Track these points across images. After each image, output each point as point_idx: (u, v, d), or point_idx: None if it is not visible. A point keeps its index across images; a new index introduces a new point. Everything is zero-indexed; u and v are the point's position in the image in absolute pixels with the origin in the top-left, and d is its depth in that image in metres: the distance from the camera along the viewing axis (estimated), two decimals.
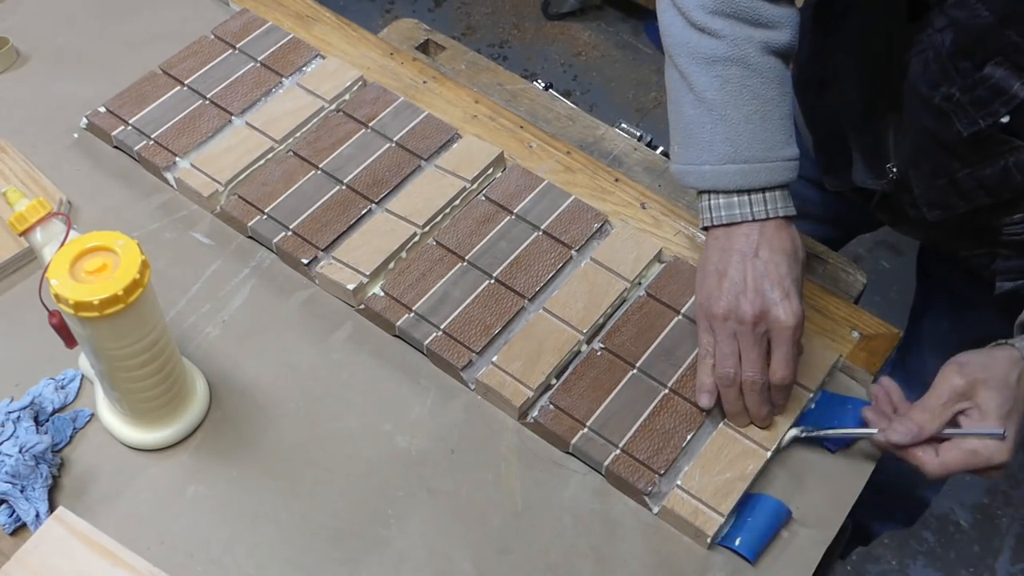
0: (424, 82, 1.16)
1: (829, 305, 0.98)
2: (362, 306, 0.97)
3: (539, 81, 1.21)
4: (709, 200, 0.89)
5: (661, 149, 1.15)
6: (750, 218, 0.87)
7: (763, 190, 0.87)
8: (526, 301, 0.96)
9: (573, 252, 1.00)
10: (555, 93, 1.20)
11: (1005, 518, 1.97)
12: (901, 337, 0.98)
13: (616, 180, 1.08)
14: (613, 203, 1.05)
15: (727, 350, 0.86)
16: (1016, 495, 2.00)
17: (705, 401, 0.89)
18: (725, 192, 0.88)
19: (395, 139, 1.07)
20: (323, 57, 1.16)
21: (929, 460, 0.82)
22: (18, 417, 0.87)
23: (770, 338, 0.86)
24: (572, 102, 1.20)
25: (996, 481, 2.01)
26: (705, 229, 0.91)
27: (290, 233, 1.00)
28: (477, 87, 1.17)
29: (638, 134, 1.16)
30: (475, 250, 0.99)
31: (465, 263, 0.98)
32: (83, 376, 0.92)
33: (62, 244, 0.81)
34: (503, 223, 1.01)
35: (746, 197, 0.88)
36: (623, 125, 1.17)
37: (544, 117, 1.16)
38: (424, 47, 1.24)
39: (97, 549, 0.80)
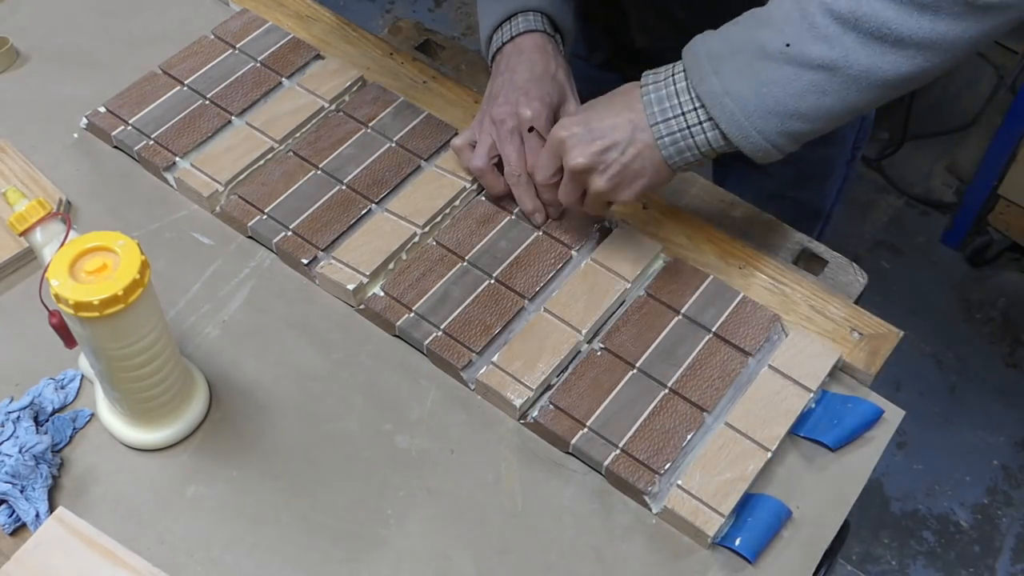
0: (424, 82, 1.16)
1: (829, 305, 0.98)
2: (362, 306, 0.97)
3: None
4: (488, 47, 1.05)
5: None
6: (501, 43, 1.02)
7: (509, 18, 1.02)
8: (526, 301, 0.96)
9: (573, 252, 1.00)
10: None
11: (1005, 518, 1.97)
12: None
13: None
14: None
15: (482, 150, 1.00)
16: (1016, 495, 2.00)
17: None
18: (488, 29, 1.04)
19: (395, 139, 1.07)
20: (323, 57, 1.16)
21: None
22: (18, 417, 0.87)
23: (521, 133, 0.98)
24: None
25: (994, 480, 2.01)
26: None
27: (290, 233, 1.00)
28: (477, 87, 1.17)
29: None
30: (475, 250, 0.99)
31: (465, 263, 0.98)
32: (83, 376, 0.92)
33: (62, 244, 0.81)
34: (503, 223, 1.01)
35: (499, 29, 1.03)
36: None
37: None
38: (424, 47, 1.24)
39: (97, 549, 0.80)
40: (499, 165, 1.01)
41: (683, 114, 0.85)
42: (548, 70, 1.00)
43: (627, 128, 0.87)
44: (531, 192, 0.99)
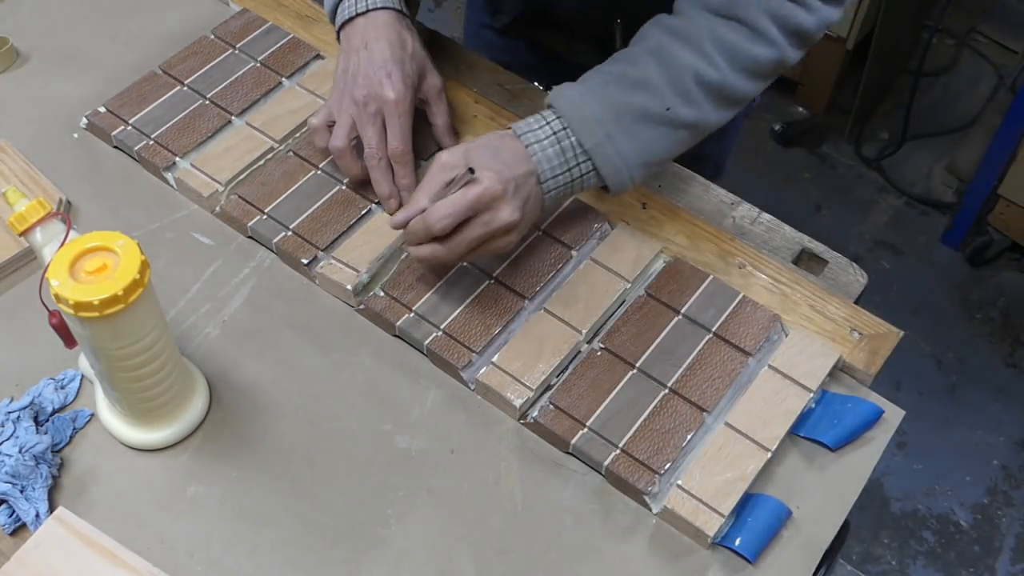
0: None
1: (829, 305, 0.98)
2: (362, 306, 0.97)
3: (536, 84, 1.21)
4: (335, 15, 1.05)
5: None
6: (354, 13, 1.02)
7: None
8: (526, 301, 0.96)
9: (573, 252, 1.00)
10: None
11: (1005, 518, 1.97)
12: None
13: None
14: (613, 203, 1.05)
15: (342, 131, 1.00)
16: (1016, 495, 2.00)
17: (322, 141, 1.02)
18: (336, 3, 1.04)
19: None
20: (323, 57, 1.16)
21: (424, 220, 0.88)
22: (18, 417, 0.87)
23: (383, 116, 0.99)
24: None
25: (994, 480, 2.01)
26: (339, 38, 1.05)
27: (290, 233, 1.00)
28: (477, 87, 1.17)
29: None
30: None
31: (464, 263, 0.98)
32: (83, 376, 0.92)
33: (62, 244, 0.81)
34: None
35: None
36: None
37: None
38: (424, 47, 1.23)
39: (97, 549, 0.80)
40: (358, 148, 1.01)
41: (569, 169, 0.93)
42: (406, 48, 1.02)
43: (534, 180, 0.92)
44: (388, 176, 1.00)
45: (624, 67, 0.93)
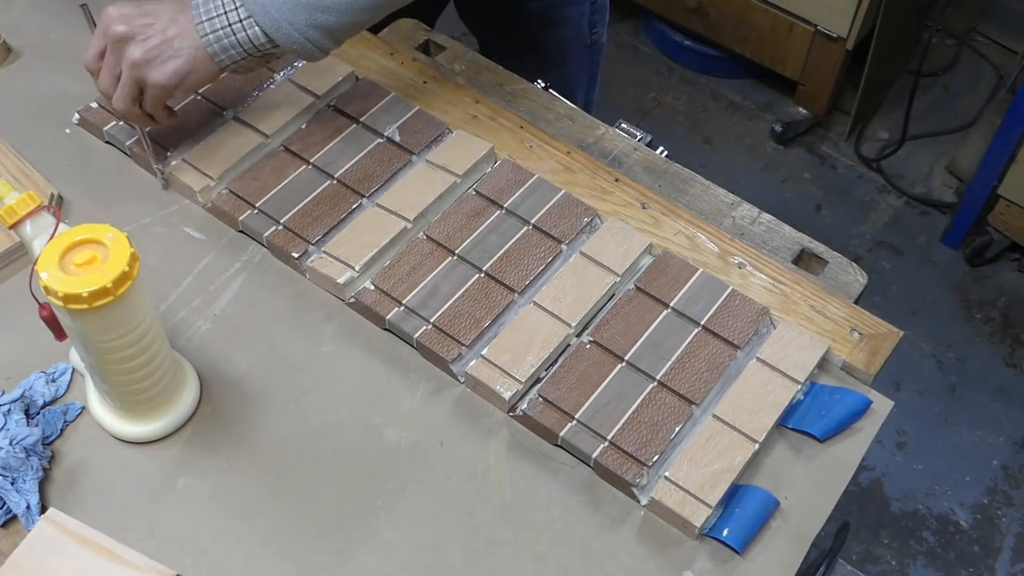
0: (424, 82, 1.16)
1: (829, 305, 0.98)
2: (353, 300, 0.97)
3: (539, 81, 1.21)
4: None
5: (661, 149, 1.15)
6: None
7: None
8: (516, 295, 0.96)
9: (563, 246, 1.00)
10: (555, 93, 1.20)
11: (1005, 518, 1.96)
12: None
13: (616, 180, 1.08)
14: (613, 203, 1.05)
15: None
16: (1016, 495, 1.99)
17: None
18: None
19: (385, 133, 1.08)
20: None
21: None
22: (8, 410, 0.87)
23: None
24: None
25: (994, 480, 2.00)
26: None
27: (280, 227, 1.00)
28: (477, 87, 1.17)
29: (638, 134, 1.16)
30: (465, 244, 0.99)
31: (455, 257, 0.99)
32: (74, 369, 0.92)
33: (51, 237, 0.81)
34: (493, 217, 1.02)
35: None
36: (623, 125, 1.17)
37: (544, 117, 1.16)
38: (424, 47, 1.24)
39: (92, 546, 0.80)
40: None
41: (225, 13, 0.93)
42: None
43: (172, 12, 0.94)
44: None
45: None
